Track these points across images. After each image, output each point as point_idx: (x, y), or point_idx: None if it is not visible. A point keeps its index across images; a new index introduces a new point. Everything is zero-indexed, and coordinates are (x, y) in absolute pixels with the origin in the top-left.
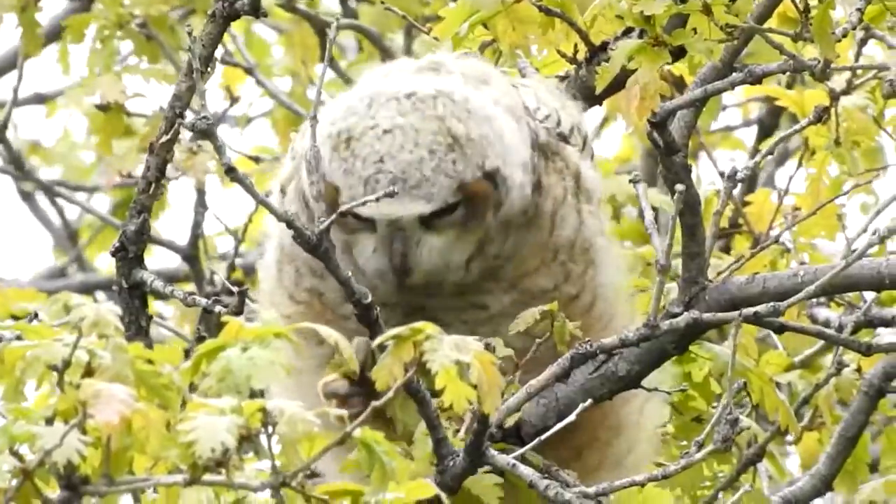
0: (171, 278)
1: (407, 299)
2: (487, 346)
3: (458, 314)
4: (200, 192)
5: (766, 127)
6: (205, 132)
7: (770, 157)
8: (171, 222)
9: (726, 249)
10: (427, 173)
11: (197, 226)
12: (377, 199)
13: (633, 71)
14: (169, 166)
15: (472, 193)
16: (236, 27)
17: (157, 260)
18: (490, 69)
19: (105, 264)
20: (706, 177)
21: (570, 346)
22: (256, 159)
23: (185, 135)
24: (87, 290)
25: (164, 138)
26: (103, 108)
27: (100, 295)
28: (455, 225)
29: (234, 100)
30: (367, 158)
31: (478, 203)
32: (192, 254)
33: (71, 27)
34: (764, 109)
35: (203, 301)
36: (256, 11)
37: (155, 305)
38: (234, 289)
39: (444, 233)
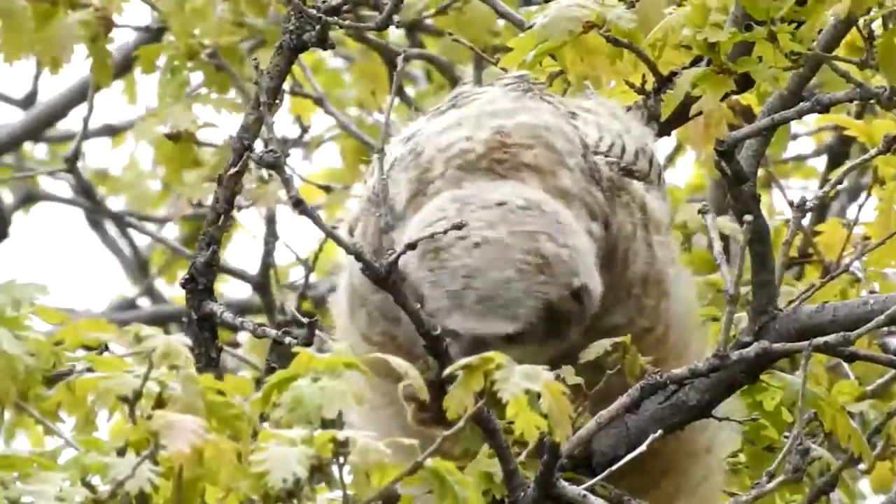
0: (243, 309)
1: None
2: (557, 377)
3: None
4: (271, 222)
5: (836, 155)
6: (273, 165)
7: (842, 187)
8: (242, 252)
9: (798, 279)
10: (515, 294)
11: (267, 255)
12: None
13: (699, 98)
14: (239, 196)
15: (555, 313)
16: (305, 57)
17: (231, 289)
18: (546, 117)
19: (177, 295)
20: (777, 207)
21: (640, 378)
22: (327, 188)
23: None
24: (159, 321)
25: (233, 170)
26: (173, 137)
27: (172, 327)
28: (537, 340)
29: (304, 130)
30: (456, 273)
31: (561, 321)
32: (262, 283)
33: (142, 58)
34: (834, 138)
35: (273, 332)
36: (324, 43)
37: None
38: (304, 319)
39: (525, 346)
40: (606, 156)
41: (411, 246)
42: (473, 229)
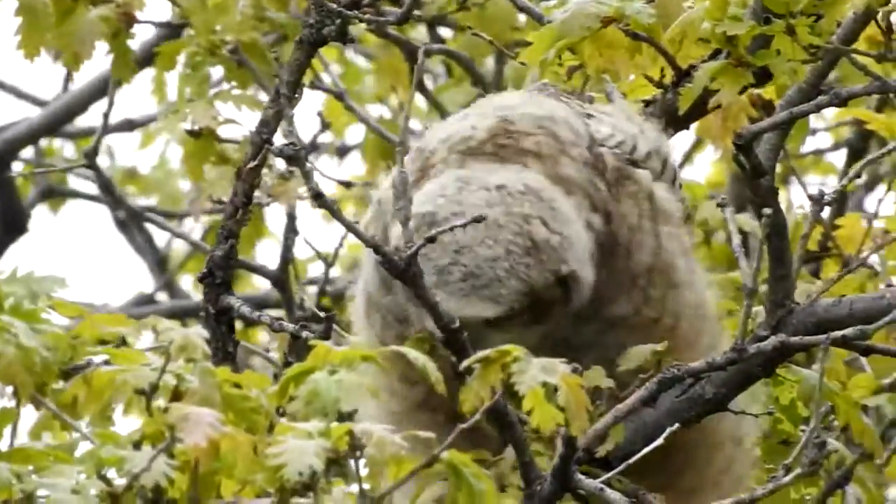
0: (262, 304)
1: None
2: (575, 370)
3: (537, 351)
4: (291, 218)
5: (856, 150)
6: (292, 158)
7: (860, 181)
8: (262, 248)
9: (816, 274)
10: (500, 273)
11: (287, 251)
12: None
13: (717, 92)
14: (261, 192)
15: (539, 299)
16: (330, 56)
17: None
18: (554, 112)
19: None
20: (797, 201)
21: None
22: (348, 184)
23: (278, 162)
24: (177, 315)
25: (252, 164)
26: (194, 134)
27: (190, 322)
28: (520, 324)
29: (325, 125)
30: (446, 248)
31: (544, 308)
32: (281, 279)
33: (163, 54)
34: (854, 133)
35: (290, 327)
36: (344, 37)
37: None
38: (322, 314)
39: (508, 331)
40: (612, 149)
41: (431, 239)
42: (470, 208)
